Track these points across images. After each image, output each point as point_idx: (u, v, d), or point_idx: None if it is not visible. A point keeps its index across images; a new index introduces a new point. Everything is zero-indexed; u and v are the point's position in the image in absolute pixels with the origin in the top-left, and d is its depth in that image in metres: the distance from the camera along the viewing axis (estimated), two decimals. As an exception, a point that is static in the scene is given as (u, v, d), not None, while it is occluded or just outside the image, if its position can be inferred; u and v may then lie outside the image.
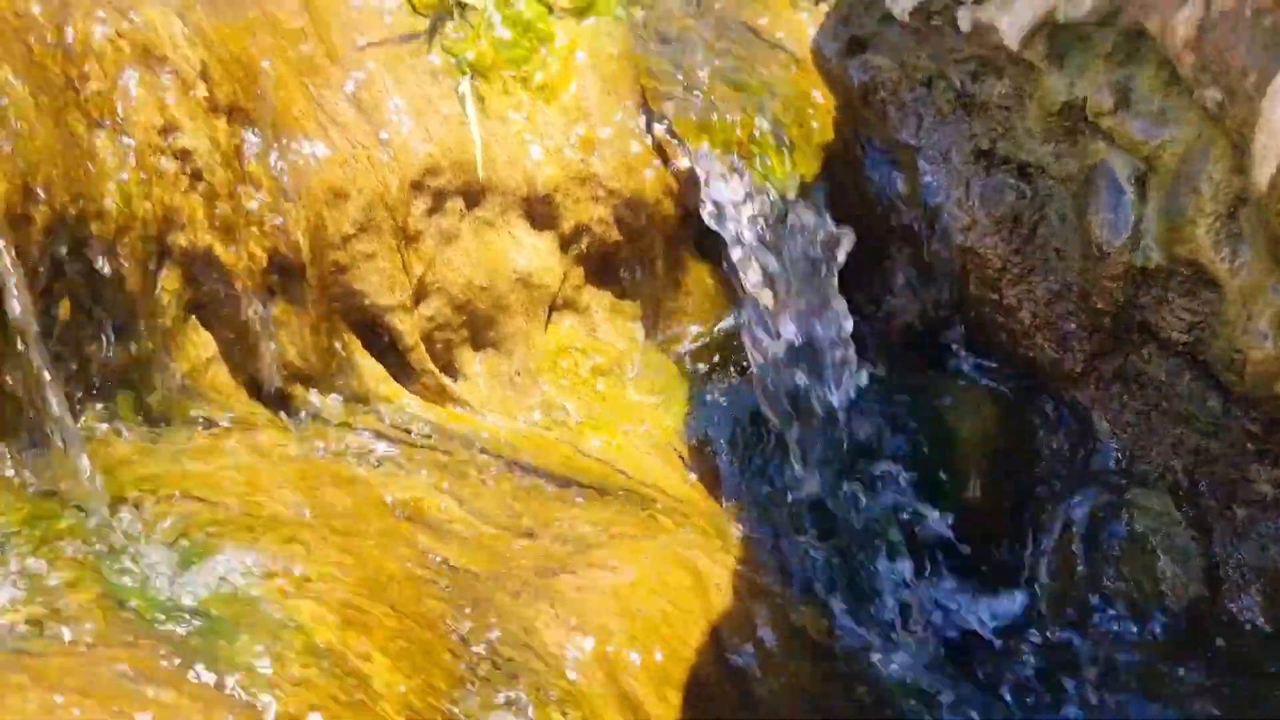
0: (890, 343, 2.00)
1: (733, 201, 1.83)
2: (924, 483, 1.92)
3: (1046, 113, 1.81)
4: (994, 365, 1.99)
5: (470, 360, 1.79)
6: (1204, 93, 1.58)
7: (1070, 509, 1.87)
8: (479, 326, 1.77)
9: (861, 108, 2.02)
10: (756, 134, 1.89)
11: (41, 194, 1.31)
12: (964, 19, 1.84)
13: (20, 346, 1.28)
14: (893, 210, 2.00)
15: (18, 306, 1.24)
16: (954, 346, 2.01)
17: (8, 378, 1.30)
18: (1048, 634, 1.82)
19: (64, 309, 1.40)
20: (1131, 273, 1.76)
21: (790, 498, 1.82)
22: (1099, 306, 1.83)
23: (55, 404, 1.34)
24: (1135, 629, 1.80)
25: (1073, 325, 1.89)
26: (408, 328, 1.68)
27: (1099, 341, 1.87)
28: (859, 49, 2.03)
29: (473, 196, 1.71)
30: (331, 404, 1.65)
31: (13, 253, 1.24)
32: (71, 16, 1.36)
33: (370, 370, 1.67)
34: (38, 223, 1.32)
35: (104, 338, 1.48)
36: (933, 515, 1.88)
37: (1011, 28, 1.78)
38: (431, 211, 1.68)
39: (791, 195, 1.88)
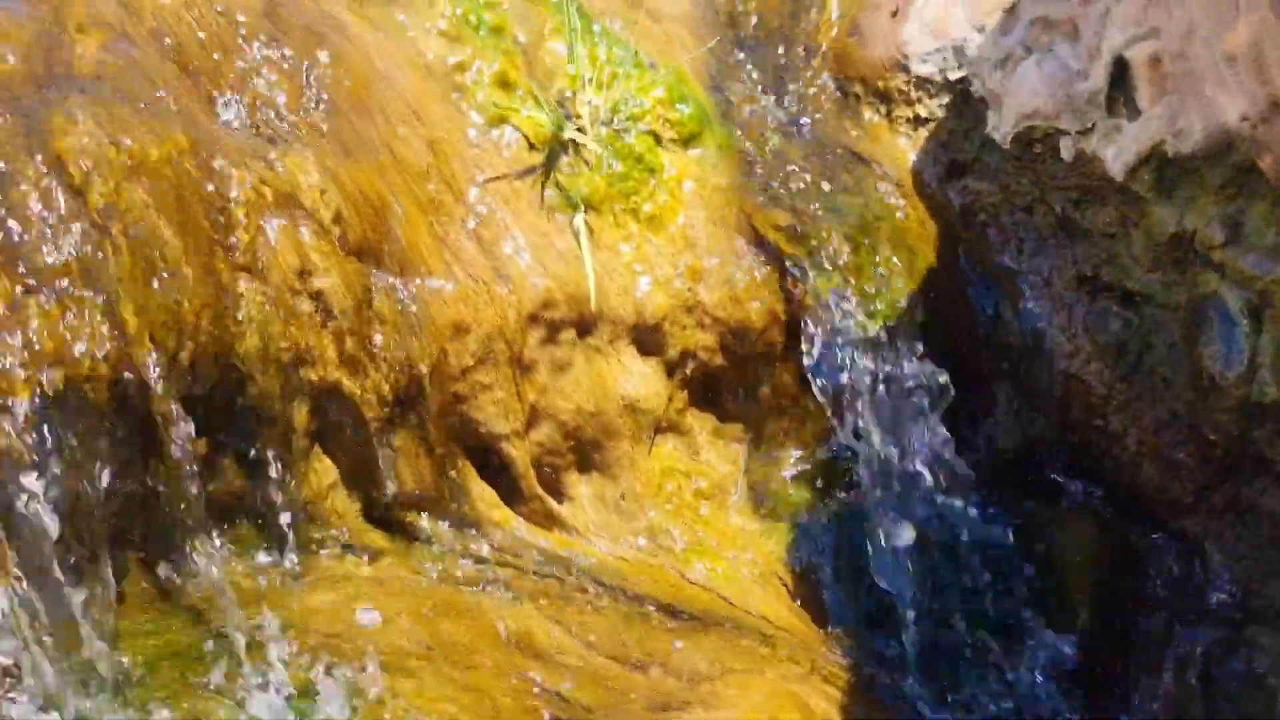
0: (993, 467, 1.99)
1: (836, 329, 1.85)
2: (1030, 609, 1.90)
3: (1153, 242, 1.81)
4: (1100, 491, 1.97)
5: (576, 484, 1.81)
6: (1319, 230, 1.58)
7: (1184, 643, 1.83)
8: (586, 451, 1.80)
9: (962, 231, 2.04)
10: (859, 261, 1.92)
11: (190, 337, 1.37)
12: (1067, 148, 1.86)
13: (176, 481, 1.34)
14: (994, 334, 2.01)
15: (178, 449, 1.30)
16: (1058, 471, 2.00)
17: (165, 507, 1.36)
18: (1163, 772, 1.78)
19: (202, 443, 1.46)
20: (1245, 406, 1.74)
21: (896, 626, 1.81)
22: (1210, 437, 1.81)
23: (201, 531, 1.41)
24: (1253, 771, 1.75)
25: (1182, 454, 1.86)
26: (519, 454, 1.71)
27: (1210, 472, 1.85)
28: (959, 173, 2.05)
29: (585, 326, 1.75)
30: (444, 529, 1.68)
31: (174, 397, 1.30)
32: (221, 168, 1.43)
33: (482, 495, 1.71)
34: (185, 363, 1.38)
35: (234, 466, 1.53)
36: (1045, 637, 1.86)
37: (1116, 160, 1.79)
38: (545, 341, 1.72)
39: (893, 321, 1.90)
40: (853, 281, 1.90)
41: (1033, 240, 1.99)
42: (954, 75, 2.05)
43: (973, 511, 1.95)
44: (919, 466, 1.88)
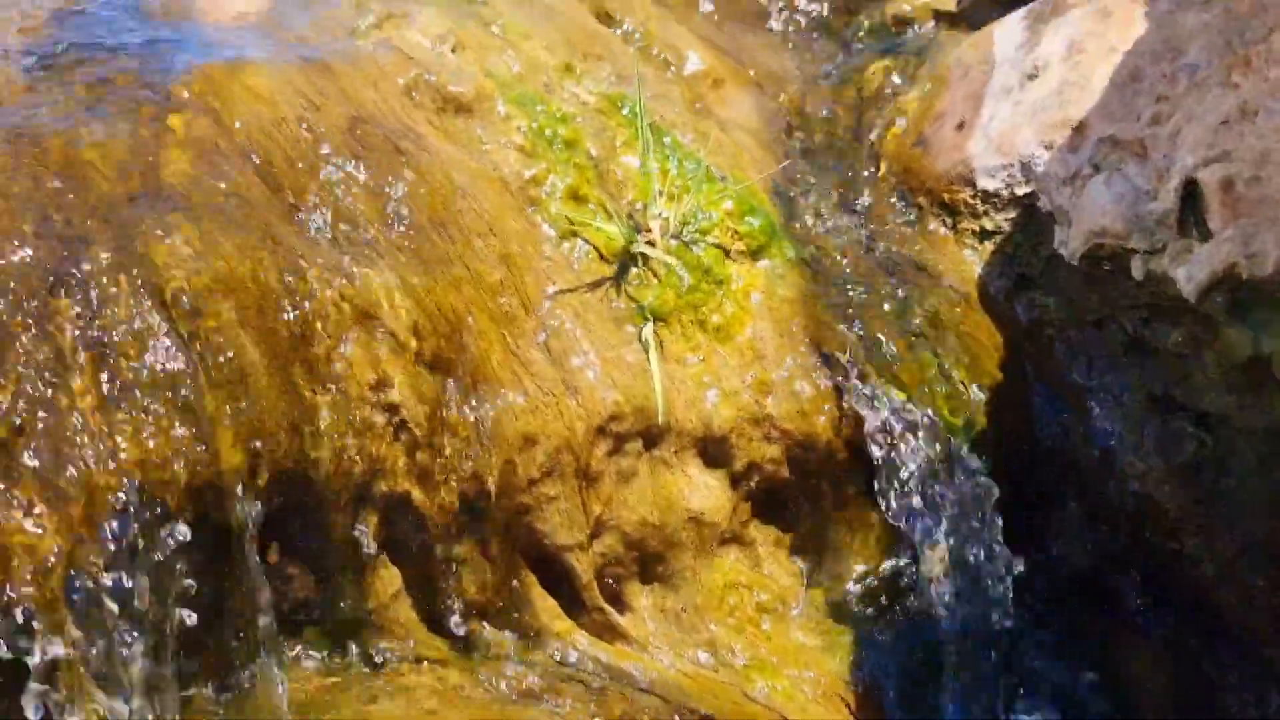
0: (1062, 587, 1.95)
1: (902, 444, 1.84)
2: (1100, 737, 1.85)
3: (1228, 365, 1.79)
4: (1174, 616, 1.92)
5: (638, 595, 1.80)
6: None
7: (1264, 780, 1.77)
8: (649, 563, 1.79)
9: (1029, 346, 2.03)
10: (924, 375, 1.91)
11: (268, 448, 1.40)
12: (1137, 267, 1.84)
13: (246, 589, 1.36)
14: (1062, 451, 1.98)
15: (250, 558, 1.32)
16: (1130, 593, 1.95)
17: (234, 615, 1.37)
18: None
19: (273, 552, 1.48)
20: (1330, 536, 1.70)
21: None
22: (1291, 565, 1.77)
23: (268, 639, 1.41)
24: None
25: (1261, 582, 1.81)
26: (583, 566, 1.71)
27: (1291, 601, 1.80)
28: (1026, 287, 2.05)
29: (651, 438, 1.75)
30: (506, 639, 1.67)
31: (249, 507, 1.32)
32: (303, 282, 1.47)
33: (544, 606, 1.70)
34: (262, 476, 1.40)
35: (303, 574, 1.54)
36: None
37: (1189, 281, 1.77)
38: (612, 453, 1.72)
39: (959, 437, 1.88)
40: (918, 395, 1.89)
41: (1102, 357, 1.97)
42: (1021, 191, 2.05)
43: (1041, 633, 1.91)
44: (986, 584, 1.85)
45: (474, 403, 1.59)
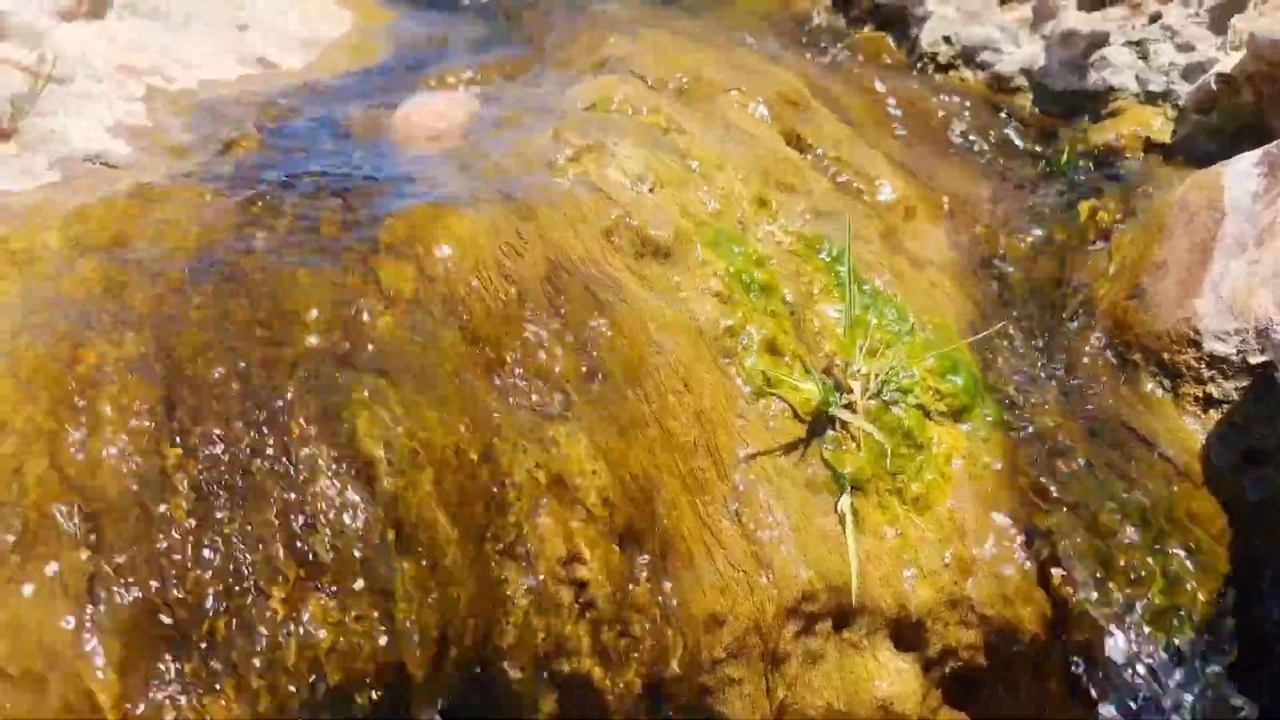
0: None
1: (1114, 638, 1.67)
2: None
3: None
4: None
5: (817, 783, 1.67)
6: None
7: None
8: (830, 749, 1.67)
9: (1258, 527, 1.84)
10: (1141, 559, 1.74)
11: (457, 629, 1.33)
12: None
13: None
14: (1296, 651, 1.78)
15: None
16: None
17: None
18: None
19: (448, 730, 1.40)
20: None
21: None
22: None
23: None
24: None
25: None
26: (762, 753, 1.59)
27: None
28: (1257, 462, 1.86)
29: (842, 618, 1.63)
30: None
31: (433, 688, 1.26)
32: (499, 452, 1.41)
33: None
34: (450, 659, 1.33)
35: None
36: None
37: None
38: (800, 634, 1.61)
39: (1183, 633, 1.70)
40: (1134, 582, 1.72)
41: (1345, 549, 1.77)
42: (1256, 359, 1.88)
43: None
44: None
45: (663, 578, 1.50)
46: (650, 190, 1.85)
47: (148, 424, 1.29)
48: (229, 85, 2.52)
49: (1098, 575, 1.70)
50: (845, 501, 1.65)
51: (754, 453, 1.65)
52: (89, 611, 1.17)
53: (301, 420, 1.34)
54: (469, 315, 1.51)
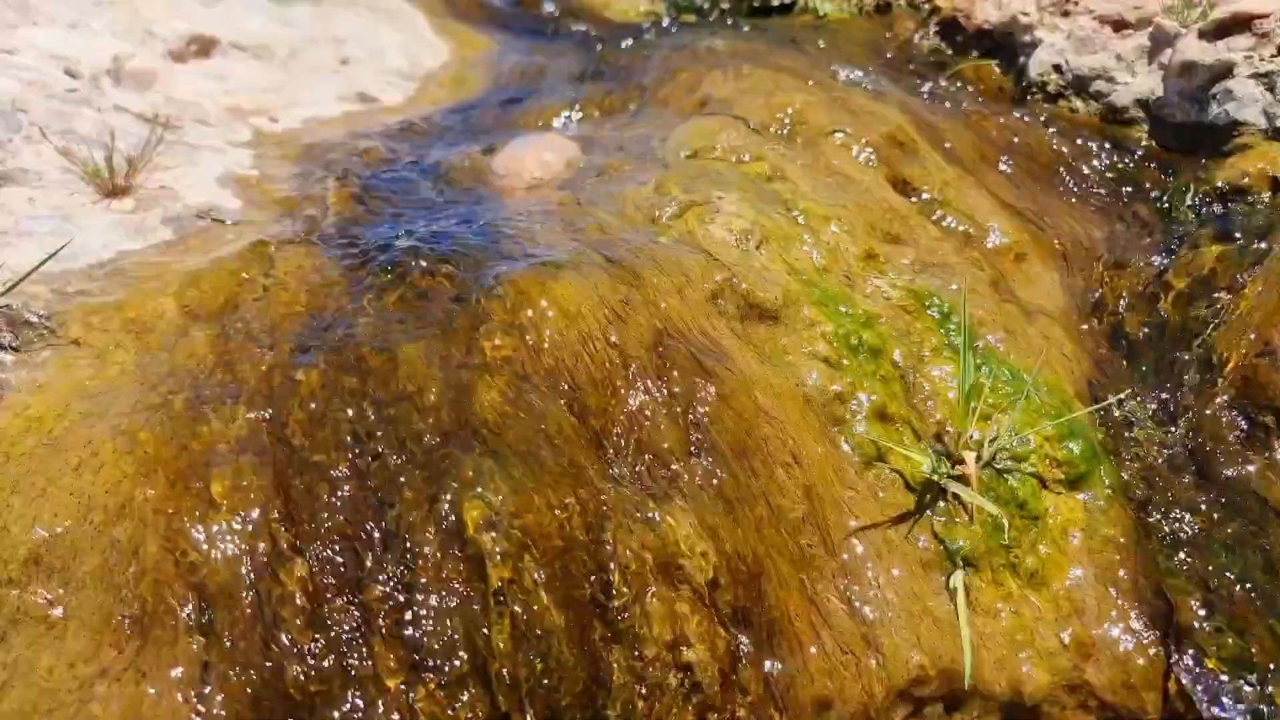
0: None
1: (1246, 727, 1.58)
2: None
3: None
4: None
5: None
6: None
7: None
8: (938, 834, 1.61)
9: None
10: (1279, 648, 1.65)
11: (560, 715, 1.31)
12: None
13: None
14: None
15: None
16: None
17: None
18: None
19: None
20: None
21: None
22: None
23: None
24: None
25: None
26: (869, 838, 1.54)
27: None
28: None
29: (954, 701, 1.58)
30: None
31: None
32: (606, 534, 1.38)
33: None
34: (551, 747, 1.32)
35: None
36: None
37: None
38: (909, 718, 1.56)
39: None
40: (1272, 674, 1.63)
41: None
42: (1400, 430, 1.77)
43: None
44: None
45: (768, 660, 1.46)
46: (756, 247, 1.81)
47: (258, 513, 1.29)
48: (331, 125, 2.54)
49: (1231, 662, 1.62)
50: (958, 580, 1.59)
51: (863, 526, 1.60)
52: (202, 698, 1.18)
53: (411, 507, 1.33)
54: (575, 388, 1.49)
